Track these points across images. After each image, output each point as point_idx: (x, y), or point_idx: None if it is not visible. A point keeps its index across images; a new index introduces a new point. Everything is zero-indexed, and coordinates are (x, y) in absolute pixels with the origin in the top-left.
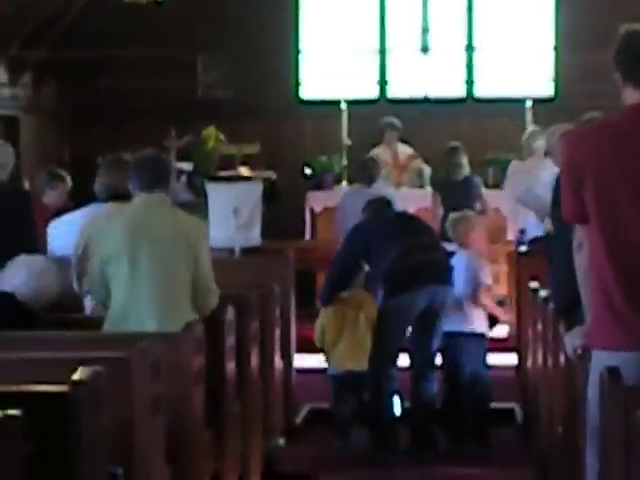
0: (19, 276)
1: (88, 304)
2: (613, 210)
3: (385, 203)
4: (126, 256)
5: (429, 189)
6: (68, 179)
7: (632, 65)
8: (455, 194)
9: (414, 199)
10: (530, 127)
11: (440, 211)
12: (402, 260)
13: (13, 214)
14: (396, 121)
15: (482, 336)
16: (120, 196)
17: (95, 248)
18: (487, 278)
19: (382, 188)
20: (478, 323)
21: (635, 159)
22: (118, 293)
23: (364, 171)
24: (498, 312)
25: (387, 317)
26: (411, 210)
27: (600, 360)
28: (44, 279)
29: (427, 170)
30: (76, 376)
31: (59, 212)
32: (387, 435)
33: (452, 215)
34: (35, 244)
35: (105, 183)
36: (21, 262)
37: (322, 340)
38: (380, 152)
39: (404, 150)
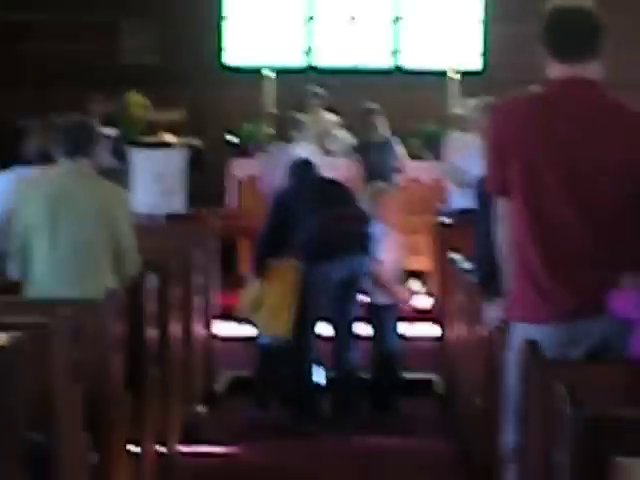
0: None
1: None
2: (536, 183)
3: (310, 167)
4: (46, 225)
5: (351, 157)
6: None
7: (558, 41)
8: (375, 156)
9: (338, 167)
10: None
11: (362, 174)
12: (322, 229)
13: None
14: (320, 90)
15: (392, 306)
16: (51, 158)
17: (18, 215)
18: (383, 253)
19: (305, 148)
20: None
21: (559, 132)
22: (38, 262)
23: (287, 129)
24: (394, 288)
25: (306, 286)
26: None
27: (520, 332)
28: None
29: (350, 139)
30: None
31: None
32: (307, 404)
33: (367, 188)
34: None
35: (38, 146)
36: None
37: (252, 311)
38: (305, 120)
39: (329, 118)
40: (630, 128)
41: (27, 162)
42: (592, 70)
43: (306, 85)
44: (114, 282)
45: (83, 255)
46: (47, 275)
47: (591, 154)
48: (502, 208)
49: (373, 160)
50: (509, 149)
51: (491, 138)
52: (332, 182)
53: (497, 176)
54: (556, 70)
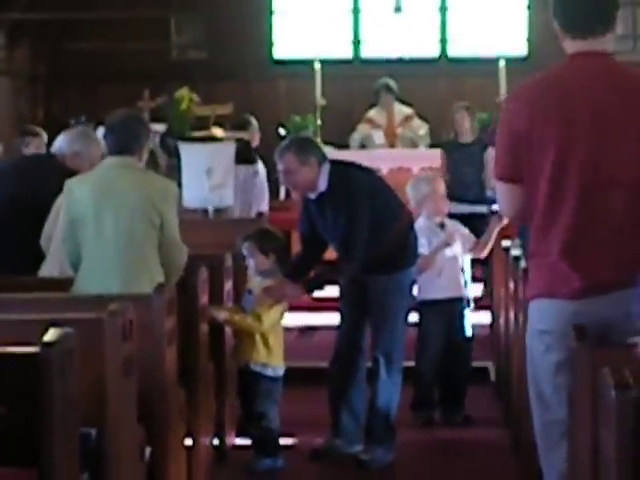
0: None
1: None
2: (547, 161)
3: None
4: (91, 220)
5: (422, 148)
6: (42, 132)
7: (569, 17)
8: (463, 156)
9: (414, 158)
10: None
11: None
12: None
13: None
14: (392, 82)
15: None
16: None
17: (65, 210)
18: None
19: None
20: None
21: (568, 108)
22: (84, 256)
23: None
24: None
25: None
26: (414, 170)
27: (533, 310)
28: None
29: (425, 128)
30: (47, 337)
31: None
32: None
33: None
34: None
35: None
36: None
37: None
38: (375, 114)
39: (401, 110)
40: None
41: None
42: (604, 44)
43: (354, 76)
44: (163, 275)
45: (129, 248)
46: (95, 269)
47: (606, 125)
48: (504, 194)
49: (463, 160)
50: (521, 132)
51: (503, 122)
52: None
53: (508, 161)
54: (569, 45)
